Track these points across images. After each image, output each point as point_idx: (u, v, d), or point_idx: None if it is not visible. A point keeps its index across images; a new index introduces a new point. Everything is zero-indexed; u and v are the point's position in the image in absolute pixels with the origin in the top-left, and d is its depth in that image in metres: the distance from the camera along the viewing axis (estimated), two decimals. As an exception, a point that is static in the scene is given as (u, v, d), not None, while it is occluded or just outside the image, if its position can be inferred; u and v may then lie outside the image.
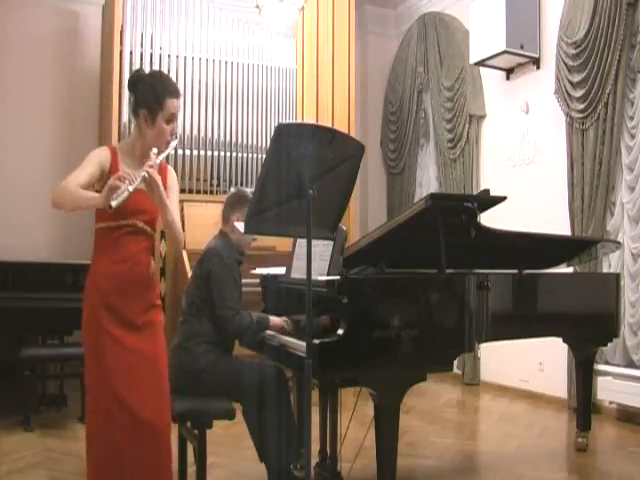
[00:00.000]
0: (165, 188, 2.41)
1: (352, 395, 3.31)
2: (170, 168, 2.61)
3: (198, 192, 5.70)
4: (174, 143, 2.46)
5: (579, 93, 4.95)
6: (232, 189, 3.40)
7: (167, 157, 2.52)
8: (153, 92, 2.38)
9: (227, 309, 3.02)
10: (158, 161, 2.35)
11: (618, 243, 4.18)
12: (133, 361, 2.35)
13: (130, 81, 2.47)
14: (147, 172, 2.25)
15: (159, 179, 2.31)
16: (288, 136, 2.09)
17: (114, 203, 2.14)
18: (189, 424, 2.90)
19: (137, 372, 2.35)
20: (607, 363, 4.82)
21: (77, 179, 2.27)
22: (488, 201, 3.10)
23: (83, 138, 6.28)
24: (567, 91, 5.06)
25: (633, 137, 4.69)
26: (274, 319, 3.08)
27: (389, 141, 7.51)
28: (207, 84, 5.89)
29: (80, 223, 6.16)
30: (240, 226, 3.07)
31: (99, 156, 2.37)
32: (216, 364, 3.00)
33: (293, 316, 3.13)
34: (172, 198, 2.46)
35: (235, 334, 3.11)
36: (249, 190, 3.17)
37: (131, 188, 2.18)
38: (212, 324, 3.03)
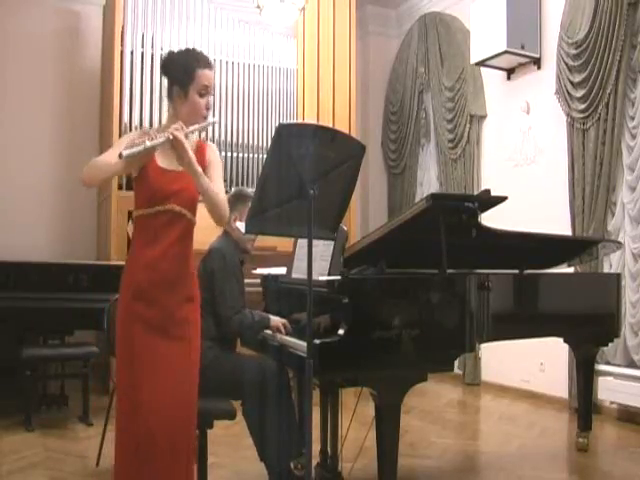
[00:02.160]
0: (205, 164, 2.36)
1: (353, 395, 3.31)
2: (211, 144, 2.52)
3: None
4: (212, 118, 2.38)
5: (580, 93, 4.94)
6: (233, 189, 3.44)
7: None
8: (183, 65, 2.33)
9: (229, 308, 3.05)
10: (190, 130, 2.26)
11: (619, 243, 4.18)
12: (165, 360, 2.28)
13: (162, 63, 2.43)
14: (172, 134, 2.17)
15: (185, 142, 2.20)
16: (289, 136, 2.09)
17: (125, 152, 2.06)
18: (190, 424, 2.90)
19: (169, 373, 2.28)
20: (608, 363, 4.82)
21: (105, 156, 2.23)
22: (489, 201, 3.10)
23: (84, 138, 6.30)
24: (568, 91, 5.06)
25: (634, 137, 4.69)
26: (274, 319, 3.10)
27: (390, 141, 7.51)
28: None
29: (81, 223, 6.20)
30: (241, 226, 3.10)
31: (130, 139, 2.30)
32: (219, 360, 3.01)
33: (294, 315, 3.14)
34: (213, 173, 2.37)
35: (236, 333, 3.15)
36: (251, 190, 3.19)
37: (149, 144, 2.11)
38: (214, 322, 3.06)
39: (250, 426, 3.00)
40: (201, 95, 2.33)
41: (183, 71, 2.32)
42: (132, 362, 2.28)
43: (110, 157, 2.21)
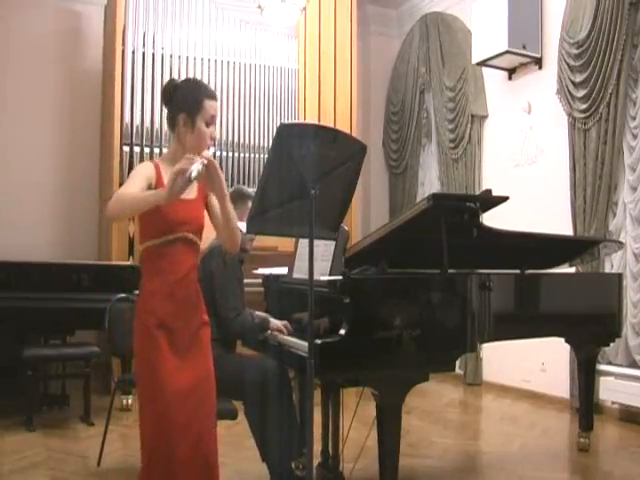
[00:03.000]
0: (208, 192, 2.36)
1: (354, 395, 3.31)
2: None
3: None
4: (212, 150, 2.39)
5: (581, 93, 4.94)
6: (231, 188, 3.42)
7: None
8: (190, 95, 2.30)
9: (230, 310, 3.03)
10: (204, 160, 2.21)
11: (620, 243, 4.18)
12: (188, 380, 2.27)
13: (165, 91, 2.37)
14: (206, 158, 2.14)
15: (217, 165, 2.21)
16: (290, 136, 2.09)
17: (194, 174, 1.99)
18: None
19: (191, 392, 2.27)
20: (609, 363, 4.82)
21: (128, 190, 2.17)
22: (490, 201, 3.10)
23: (85, 138, 6.30)
24: (569, 91, 5.06)
25: (635, 137, 4.69)
26: (274, 322, 3.09)
27: (391, 141, 7.51)
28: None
29: (83, 223, 6.20)
30: (241, 225, 3.08)
31: (145, 171, 2.26)
32: (219, 361, 2.99)
33: (295, 315, 3.13)
34: (215, 202, 2.37)
35: (238, 334, 3.14)
36: (251, 190, 3.18)
37: (201, 167, 2.05)
38: (215, 322, 3.04)
39: (251, 426, 3.00)
40: (207, 125, 2.31)
41: (191, 100, 2.29)
42: (152, 378, 2.24)
43: (134, 189, 2.16)
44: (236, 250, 2.44)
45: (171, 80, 2.43)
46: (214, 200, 2.35)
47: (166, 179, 2.18)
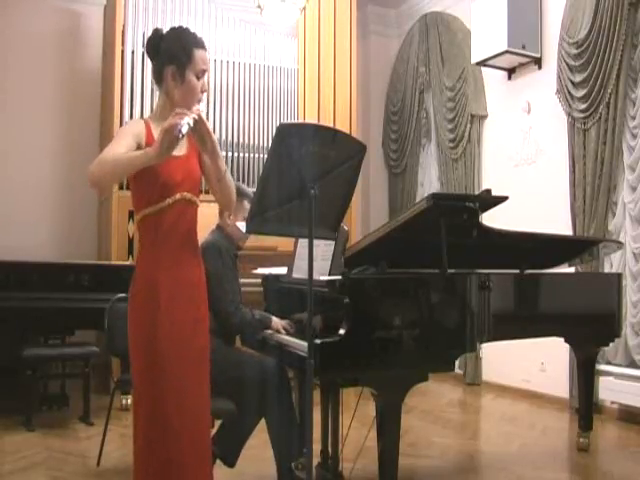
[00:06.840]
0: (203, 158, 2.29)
1: (354, 395, 3.31)
2: None
3: (200, 192, 5.70)
4: (202, 105, 2.21)
5: (581, 93, 4.94)
6: None
7: None
8: (180, 44, 2.16)
9: (229, 303, 3.00)
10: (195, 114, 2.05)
11: (620, 243, 4.17)
12: (185, 353, 2.20)
13: (149, 43, 2.22)
14: (196, 113, 2.01)
15: (208, 123, 2.09)
16: (289, 136, 2.08)
17: (184, 129, 1.87)
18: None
19: (188, 364, 2.21)
20: (609, 363, 4.82)
21: (113, 151, 2.00)
22: (489, 201, 3.10)
23: (84, 138, 6.29)
24: (569, 91, 5.06)
25: (635, 137, 4.69)
26: (276, 320, 3.08)
27: (390, 141, 7.51)
28: (208, 84, 5.90)
29: (82, 223, 6.20)
30: (241, 226, 3.07)
31: (133, 128, 2.14)
32: (216, 352, 2.98)
33: (295, 315, 3.13)
34: None
35: (236, 328, 3.09)
36: (251, 190, 3.17)
37: (191, 122, 1.93)
38: (212, 316, 3.03)
39: (249, 426, 3.00)
40: (198, 78, 2.19)
41: (181, 50, 2.16)
42: (154, 363, 2.17)
43: (120, 150, 2.02)
44: (231, 209, 2.38)
45: (156, 30, 2.25)
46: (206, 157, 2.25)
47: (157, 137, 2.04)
